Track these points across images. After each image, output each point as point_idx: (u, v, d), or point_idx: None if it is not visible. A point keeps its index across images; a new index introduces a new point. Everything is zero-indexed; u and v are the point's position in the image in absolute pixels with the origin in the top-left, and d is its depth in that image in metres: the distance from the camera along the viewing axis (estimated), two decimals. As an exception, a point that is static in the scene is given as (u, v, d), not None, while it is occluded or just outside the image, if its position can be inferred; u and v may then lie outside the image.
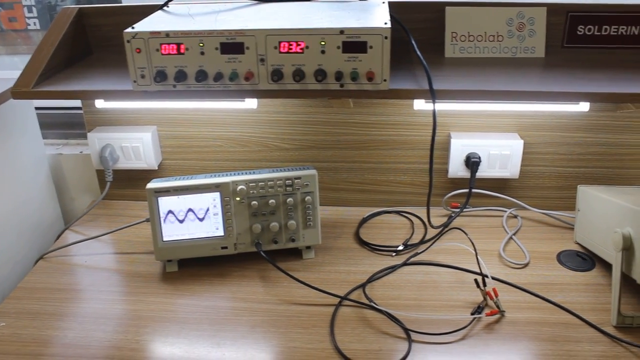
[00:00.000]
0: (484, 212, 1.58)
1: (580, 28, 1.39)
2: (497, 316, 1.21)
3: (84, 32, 1.42)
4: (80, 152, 1.67)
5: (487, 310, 1.22)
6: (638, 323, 1.19)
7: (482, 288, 1.23)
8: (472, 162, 1.47)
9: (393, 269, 1.35)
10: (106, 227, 1.53)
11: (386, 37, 1.08)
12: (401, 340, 1.15)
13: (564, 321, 1.20)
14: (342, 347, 1.13)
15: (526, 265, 1.37)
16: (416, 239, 1.45)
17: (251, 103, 1.48)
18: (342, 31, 1.09)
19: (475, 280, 1.25)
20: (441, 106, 1.46)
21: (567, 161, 1.52)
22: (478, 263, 1.28)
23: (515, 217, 1.56)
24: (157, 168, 1.58)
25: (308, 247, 1.39)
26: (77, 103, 1.65)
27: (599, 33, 1.39)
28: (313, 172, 1.33)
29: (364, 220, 1.53)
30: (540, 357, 1.11)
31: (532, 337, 1.16)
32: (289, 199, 1.33)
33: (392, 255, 1.40)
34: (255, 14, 1.20)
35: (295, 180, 1.33)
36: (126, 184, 1.63)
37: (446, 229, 1.47)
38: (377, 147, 1.53)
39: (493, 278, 1.30)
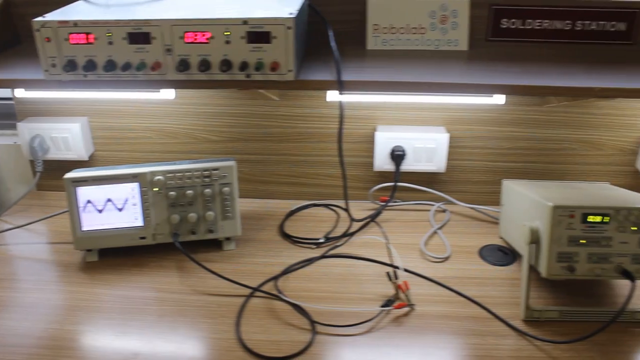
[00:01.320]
0: (413, 206, 1.57)
1: (504, 22, 1.38)
2: (406, 309, 1.20)
3: (11, 22, 1.42)
4: (14, 142, 1.67)
5: (396, 304, 1.20)
6: (546, 317, 1.18)
7: (394, 281, 1.23)
8: (396, 156, 1.47)
9: (310, 261, 1.34)
10: (36, 216, 1.53)
11: (289, 28, 1.08)
12: (306, 332, 1.15)
13: (474, 315, 1.20)
14: (246, 338, 1.12)
15: (446, 259, 1.37)
16: (340, 232, 1.44)
17: (169, 93, 1.47)
18: (245, 21, 1.08)
19: (387, 273, 1.24)
20: (368, 99, 1.46)
21: (496, 155, 1.52)
22: (389, 256, 1.27)
23: (444, 211, 1.55)
24: (87, 159, 1.58)
25: (228, 239, 1.38)
26: (10, 93, 1.65)
27: (522, 27, 1.39)
28: (231, 163, 1.33)
29: (292, 213, 1.53)
30: (443, 350, 1.11)
31: (439, 331, 1.15)
32: (207, 190, 1.33)
33: (312, 248, 1.39)
34: (172, 5, 1.20)
35: (213, 172, 1.32)
36: (58, 174, 1.63)
37: (367, 223, 1.46)
38: (305, 139, 1.53)
39: (408, 271, 1.29)
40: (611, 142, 1.50)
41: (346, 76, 1.13)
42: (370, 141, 1.52)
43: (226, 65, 1.10)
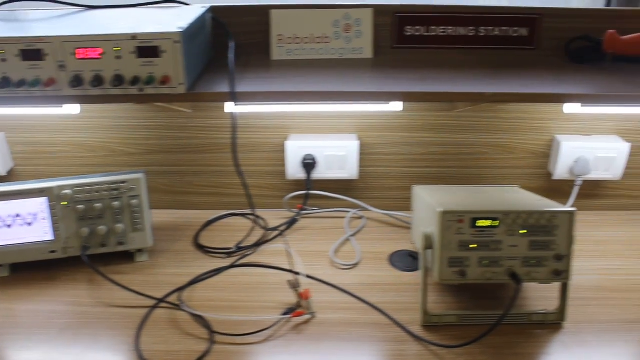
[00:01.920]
0: (330, 214, 1.58)
1: (409, 29, 1.40)
2: (306, 317, 1.21)
3: None
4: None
5: (300, 311, 1.22)
6: (445, 322, 1.20)
7: (295, 289, 1.24)
8: (306, 164, 1.48)
9: (218, 271, 1.35)
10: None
11: (177, 42, 1.09)
12: (204, 342, 1.15)
13: (375, 321, 1.21)
14: (145, 349, 1.13)
15: (355, 265, 1.37)
16: (255, 241, 1.45)
17: (73, 109, 1.48)
18: (134, 37, 1.09)
19: (288, 281, 1.25)
20: (280, 108, 1.47)
21: (410, 161, 1.53)
22: (291, 265, 1.28)
23: (361, 218, 1.57)
24: (5, 174, 1.58)
25: (140, 250, 1.39)
26: None
27: (427, 34, 1.40)
28: (139, 176, 1.34)
29: (209, 223, 1.54)
30: (338, 358, 1.12)
31: (337, 338, 1.16)
32: (115, 203, 1.34)
33: (224, 258, 1.40)
34: (67, 21, 1.20)
35: (121, 185, 1.33)
36: (-22, 191, 1.63)
37: (282, 231, 1.48)
38: (220, 150, 1.54)
39: (311, 278, 1.31)
40: (522, 145, 1.52)
41: (244, 87, 1.14)
42: (281, 150, 1.53)
43: (118, 80, 1.11)
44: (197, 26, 1.19)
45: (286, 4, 1.36)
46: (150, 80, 1.11)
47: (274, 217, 1.56)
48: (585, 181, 1.56)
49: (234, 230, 1.52)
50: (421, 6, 1.38)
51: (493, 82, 1.19)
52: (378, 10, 1.36)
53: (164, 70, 1.10)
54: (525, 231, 1.14)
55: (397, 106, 1.41)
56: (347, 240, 1.46)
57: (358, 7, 1.36)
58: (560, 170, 1.51)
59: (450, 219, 1.13)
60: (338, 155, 1.48)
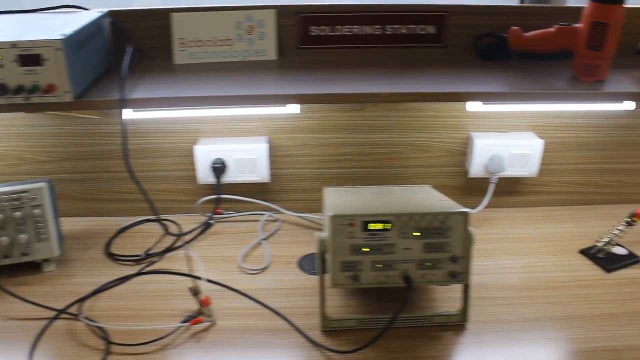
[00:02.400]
0: (246, 217, 1.57)
1: (314, 29, 1.38)
2: (206, 324, 1.20)
3: None
4: None
5: (198, 318, 1.20)
6: (345, 326, 1.19)
7: (197, 296, 1.22)
8: (215, 169, 1.46)
9: (123, 280, 1.33)
10: None
11: (59, 49, 1.06)
12: (100, 353, 1.13)
13: (276, 327, 1.20)
14: (38, 362, 1.11)
15: (264, 270, 1.36)
16: (165, 247, 1.45)
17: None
18: (14, 45, 1.07)
19: (190, 288, 1.23)
20: (189, 113, 1.45)
21: (323, 162, 1.51)
22: (193, 271, 1.26)
23: (277, 221, 1.55)
24: None
25: (47, 260, 1.37)
26: None
27: (333, 34, 1.39)
28: (41, 185, 1.32)
29: (123, 230, 1.52)
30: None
31: (235, 345, 1.15)
32: (17, 214, 1.31)
33: (132, 266, 1.38)
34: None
35: (23, 195, 1.31)
36: None
37: (189, 237, 1.46)
38: (133, 156, 1.51)
39: (220, 285, 1.31)
40: (438, 144, 1.51)
41: (141, 93, 1.13)
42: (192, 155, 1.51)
43: (2, 89, 1.09)
44: (88, 32, 1.17)
45: (188, 6, 1.34)
46: (34, 89, 1.09)
47: (190, 223, 1.54)
48: (502, 178, 1.55)
49: (148, 236, 1.50)
50: (325, 6, 1.36)
51: (398, 81, 1.19)
52: (281, 11, 1.35)
53: (48, 79, 1.08)
54: (419, 234, 1.12)
55: (294, 109, 1.39)
56: (260, 244, 1.44)
57: (260, 8, 1.35)
58: (476, 168, 1.50)
59: (341, 222, 1.12)
60: (248, 159, 1.46)
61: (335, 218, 1.12)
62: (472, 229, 1.15)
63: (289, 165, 1.52)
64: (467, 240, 1.13)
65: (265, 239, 1.46)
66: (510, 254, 1.42)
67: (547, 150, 1.54)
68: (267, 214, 1.55)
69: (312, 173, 1.53)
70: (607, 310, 1.25)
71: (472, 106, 1.43)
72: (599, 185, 1.62)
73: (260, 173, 1.48)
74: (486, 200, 1.52)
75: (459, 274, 1.15)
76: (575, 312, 1.23)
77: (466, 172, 1.55)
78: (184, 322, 1.20)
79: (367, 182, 1.53)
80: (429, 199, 1.23)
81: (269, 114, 1.45)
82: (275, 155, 1.51)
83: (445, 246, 1.13)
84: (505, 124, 1.52)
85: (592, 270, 1.37)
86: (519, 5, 1.40)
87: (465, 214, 1.13)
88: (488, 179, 1.53)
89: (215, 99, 1.14)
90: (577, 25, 1.25)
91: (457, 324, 1.20)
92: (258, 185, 1.53)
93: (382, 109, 1.46)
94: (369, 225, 1.12)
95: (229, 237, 1.49)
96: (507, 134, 1.51)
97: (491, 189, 1.52)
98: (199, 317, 1.21)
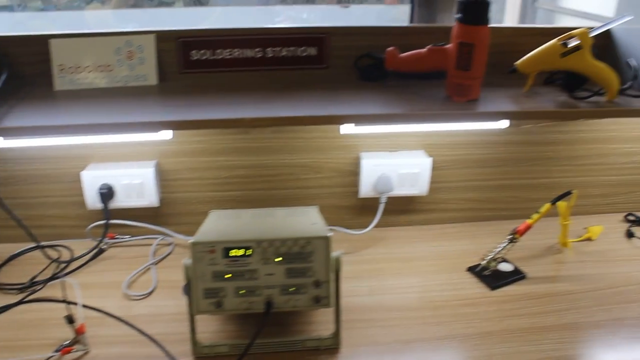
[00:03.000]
0: (140, 241, 1.56)
1: (194, 53, 1.38)
2: (79, 353, 1.19)
3: None
4: None
5: (69, 347, 1.19)
6: (216, 352, 1.18)
7: (72, 324, 1.21)
8: (101, 194, 1.46)
9: (2, 309, 1.32)
10: None
11: None
12: (-36, 387, 1.12)
13: (149, 354, 1.19)
14: None
15: (148, 295, 1.35)
16: (50, 274, 1.43)
17: None
18: None
19: (66, 316, 1.22)
20: (77, 140, 1.44)
21: (215, 185, 1.51)
22: (67, 298, 1.25)
23: (170, 244, 1.55)
24: None
25: None
26: None
27: (214, 57, 1.39)
28: None
29: (13, 257, 1.50)
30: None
31: (103, 374, 1.14)
32: None
33: (15, 294, 1.37)
34: None
35: None
36: None
37: (78, 263, 1.46)
38: (25, 182, 1.50)
39: (97, 311, 1.29)
40: (329, 164, 1.51)
41: (16, 120, 1.13)
42: (78, 180, 1.50)
43: None
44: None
45: (67, 32, 1.33)
46: None
47: (83, 248, 1.53)
48: (395, 197, 1.55)
49: (37, 264, 1.48)
50: (204, 30, 1.36)
51: (273, 104, 1.21)
52: (161, 35, 1.35)
53: None
54: (280, 259, 1.12)
55: (166, 135, 1.39)
56: (149, 268, 1.44)
57: (140, 33, 1.35)
58: (365, 188, 1.51)
59: (201, 249, 1.12)
60: (135, 183, 1.45)
61: (195, 245, 1.12)
62: (338, 252, 1.15)
63: (180, 188, 1.52)
64: (331, 264, 1.13)
65: (155, 263, 1.46)
66: (398, 273, 1.42)
67: (439, 168, 1.55)
68: (160, 237, 1.54)
69: (204, 196, 1.53)
70: (483, 328, 1.25)
71: (349, 128, 1.43)
72: (495, 201, 1.63)
73: (148, 197, 1.48)
74: (375, 220, 1.52)
75: (323, 298, 1.15)
76: (452, 332, 1.24)
77: (357, 192, 1.55)
78: (57, 351, 1.18)
79: (260, 204, 1.53)
80: (300, 222, 1.23)
81: (157, 138, 1.44)
82: (165, 179, 1.50)
83: (307, 271, 1.13)
84: (396, 143, 1.53)
85: (476, 288, 1.38)
86: (395, 25, 1.40)
87: (326, 238, 1.13)
88: (378, 198, 1.53)
89: (86, 127, 1.13)
90: (447, 46, 1.26)
91: (329, 348, 1.20)
92: (151, 209, 1.53)
93: (270, 131, 1.46)
94: (230, 251, 1.12)
95: (121, 261, 1.48)
96: (397, 153, 1.52)
97: (381, 208, 1.52)
98: (71, 346, 1.20)
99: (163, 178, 1.51)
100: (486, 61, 1.26)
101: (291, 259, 1.13)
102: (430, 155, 1.53)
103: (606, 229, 1.65)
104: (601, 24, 1.37)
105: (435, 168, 1.55)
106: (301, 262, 1.13)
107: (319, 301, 1.15)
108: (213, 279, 1.13)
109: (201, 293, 1.13)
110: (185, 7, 6.02)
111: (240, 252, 1.12)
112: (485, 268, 1.41)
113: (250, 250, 1.12)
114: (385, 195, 1.51)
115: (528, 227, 1.40)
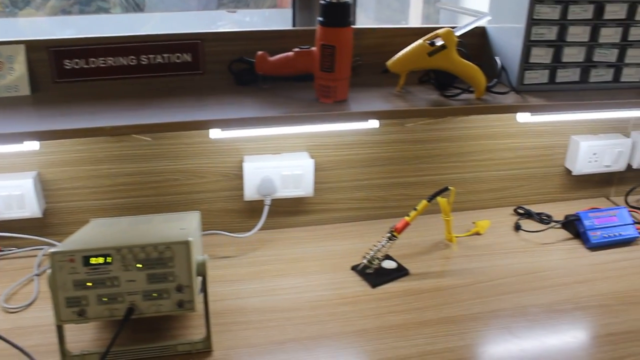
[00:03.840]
0: (27, 253, 1.54)
1: (67, 62, 1.38)
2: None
3: None
4: None
5: None
6: (89, 360, 1.17)
7: None
8: (-24, 206, 1.44)
9: None
10: None
11: None
12: None
13: (20, 366, 1.17)
14: None
15: (28, 306, 1.34)
16: None
17: None
18: None
19: None
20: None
21: (99, 194, 1.51)
22: None
23: (57, 254, 1.53)
24: None
25: None
26: None
27: (87, 66, 1.38)
28: None
29: None
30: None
31: (-32, 388, 1.12)
32: None
33: None
34: None
35: None
36: None
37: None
38: None
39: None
40: (213, 169, 1.52)
41: None
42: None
43: None
44: None
45: None
46: None
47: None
48: (283, 199, 1.56)
49: None
50: (75, 39, 1.36)
51: (144, 112, 1.22)
52: (31, 45, 1.34)
53: None
54: (140, 265, 1.12)
55: (33, 145, 1.38)
56: (32, 279, 1.43)
57: (8, 43, 1.34)
58: (249, 191, 1.51)
59: (60, 259, 1.11)
60: (15, 195, 1.44)
61: (54, 255, 1.11)
62: (203, 256, 1.16)
63: (64, 198, 1.51)
64: (194, 269, 1.14)
65: (38, 275, 1.45)
66: (281, 274, 1.43)
67: (325, 169, 1.56)
68: (45, 248, 1.53)
69: (89, 205, 1.52)
70: (360, 326, 1.27)
71: (214, 133, 1.44)
72: (385, 199, 1.64)
73: (30, 208, 1.47)
74: (260, 223, 1.53)
75: (186, 302, 1.15)
76: (328, 331, 1.25)
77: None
78: None
79: (146, 211, 1.53)
80: (169, 228, 1.24)
81: (36, 149, 1.43)
82: (49, 189, 1.49)
83: (169, 276, 1.13)
84: (281, 145, 1.53)
85: (358, 287, 1.39)
86: (267, 29, 1.41)
87: (186, 243, 1.13)
88: (263, 201, 1.54)
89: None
90: (312, 48, 1.27)
91: (202, 351, 1.20)
92: (36, 220, 1.52)
93: (151, 138, 1.46)
94: (90, 259, 1.12)
95: (5, 274, 1.47)
96: (280, 155, 1.52)
97: (265, 210, 1.53)
98: (-64, 362, 1.18)
99: (46, 188, 1.49)
100: (351, 62, 1.28)
101: (152, 265, 1.13)
102: (316, 157, 1.54)
103: (496, 222, 1.67)
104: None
105: (320, 169, 1.56)
106: (162, 267, 1.13)
107: (182, 305, 1.15)
108: (74, 287, 1.13)
109: (63, 302, 1.13)
110: (124, 13, 5.96)
111: (101, 260, 1.12)
112: (367, 266, 1.42)
113: (110, 257, 1.12)
114: (269, 198, 1.52)
115: (406, 225, 1.42)
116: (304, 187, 1.53)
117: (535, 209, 1.73)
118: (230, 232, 1.55)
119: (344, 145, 1.55)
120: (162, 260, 1.13)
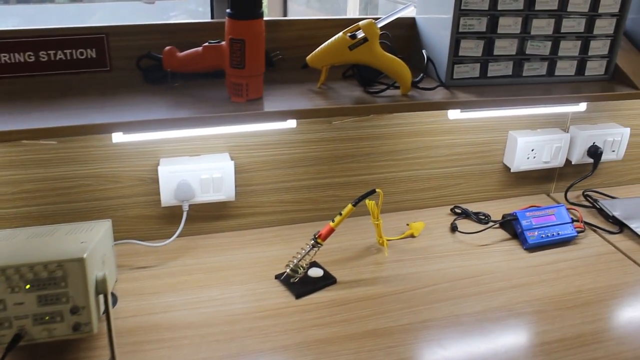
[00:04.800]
0: None
1: (-44, 60, 1.25)
2: None
3: None
4: None
5: None
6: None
7: None
8: None
9: None
10: None
11: None
12: None
13: None
14: None
15: None
16: None
17: None
18: None
19: None
20: None
21: (5, 202, 1.39)
22: None
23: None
24: None
25: None
26: None
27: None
28: None
29: None
30: None
31: None
32: None
33: None
34: None
35: None
36: None
37: None
38: None
39: None
40: (127, 173, 1.41)
41: None
42: None
43: None
44: None
45: None
46: None
47: None
48: (206, 204, 1.46)
49: None
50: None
51: (38, 113, 1.13)
52: None
53: None
54: (29, 286, 1.01)
55: None
56: None
57: None
58: (166, 196, 1.41)
59: (-62, 280, 0.99)
60: None
61: None
62: (101, 273, 1.05)
63: (-37, 208, 1.38)
64: (91, 287, 1.03)
65: None
66: (201, 286, 1.33)
67: (248, 171, 1.46)
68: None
69: (-7, 214, 1.40)
70: (280, 342, 1.18)
71: (116, 137, 1.33)
72: (314, 201, 1.55)
73: None
74: (179, 230, 1.42)
75: (83, 325, 1.05)
76: (245, 348, 1.16)
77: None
78: None
79: (58, 219, 1.42)
80: (68, 242, 1.13)
81: None
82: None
83: (62, 297, 1.04)
84: (200, 147, 1.43)
85: (281, 298, 1.30)
86: (177, 22, 1.31)
87: (81, 260, 1.03)
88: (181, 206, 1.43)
89: None
90: (222, 43, 1.17)
91: (106, 375, 1.09)
92: None
93: (58, 141, 1.34)
94: (-28, 281, 1.00)
95: None
96: (199, 157, 1.42)
97: (184, 217, 1.43)
98: None
99: None
100: (264, 57, 1.18)
101: (42, 286, 1.03)
102: (238, 158, 1.44)
103: (432, 223, 1.60)
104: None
105: (243, 170, 1.46)
106: (54, 287, 1.03)
107: (78, 329, 1.05)
108: (-41, 311, 1.01)
109: (-58, 329, 1.01)
110: (71, 3, 5.78)
111: (-17, 281, 1.01)
112: (291, 275, 1.33)
113: (-6, 278, 1.01)
114: (187, 204, 1.42)
115: (331, 231, 1.33)
116: (225, 191, 1.43)
117: (474, 207, 1.65)
118: (147, 241, 1.44)
119: (268, 145, 1.45)
120: (53, 280, 1.03)
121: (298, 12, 4.98)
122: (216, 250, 1.47)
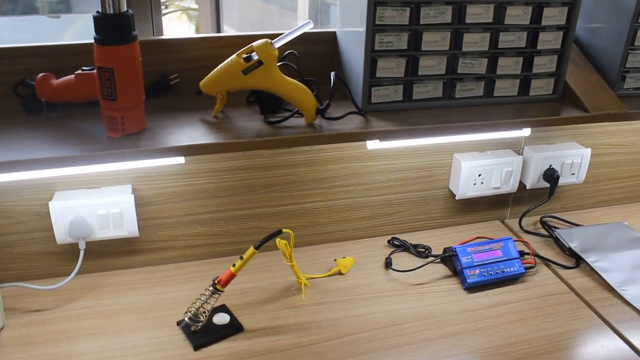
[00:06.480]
0: None
1: None
2: None
3: None
4: None
5: None
6: None
7: None
8: None
9: None
10: None
11: None
12: None
13: None
14: None
15: None
16: None
17: None
18: None
19: None
20: None
21: None
22: None
23: None
24: None
25: None
26: None
27: None
28: None
29: None
30: None
31: None
32: None
33: None
34: None
35: None
36: None
37: None
38: None
39: None
40: (20, 207, 1.29)
41: None
42: None
43: None
44: None
45: None
46: None
47: None
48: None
49: None
50: None
51: None
52: None
53: None
54: None
55: None
56: None
57: None
58: (60, 234, 1.27)
59: None
60: None
61: None
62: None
63: None
64: None
65: None
66: (95, 333, 1.20)
67: (156, 203, 1.33)
68: None
69: None
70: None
71: None
72: (234, 234, 1.41)
73: None
74: (75, 271, 1.29)
75: None
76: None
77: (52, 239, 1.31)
78: None
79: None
80: None
81: None
82: None
83: None
84: (101, 178, 1.30)
85: (177, 349, 1.17)
86: (65, 44, 1.17)
87: None
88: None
89: None
90: (94, 71, 1.03)
91: None
92: None
93: None
94: None
95: None
96: (98, 191, 1.29)
97: (81, 256, 1.29)
98: None
99: None
100: (142, 86, 1.04)
101: None
102: (142, 189, 1.31)
103: (365, 257, 1.45)
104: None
105: (149, 203, 1.32)
106: None
107: None
108: None
109: None
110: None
111: None
112: (190, 324, 1.18)
113: None
114: (83, 242, 1.28)
115: (232, 276, 1.18)
116: (127, 227, 1.29)
117: (416, 237, 1.50)
118: (45, 279, 1.31)
119: (175, 175, 1.31)
120: None
121: (255, 7, 4.67)
122: (121, 290, 1.33)
